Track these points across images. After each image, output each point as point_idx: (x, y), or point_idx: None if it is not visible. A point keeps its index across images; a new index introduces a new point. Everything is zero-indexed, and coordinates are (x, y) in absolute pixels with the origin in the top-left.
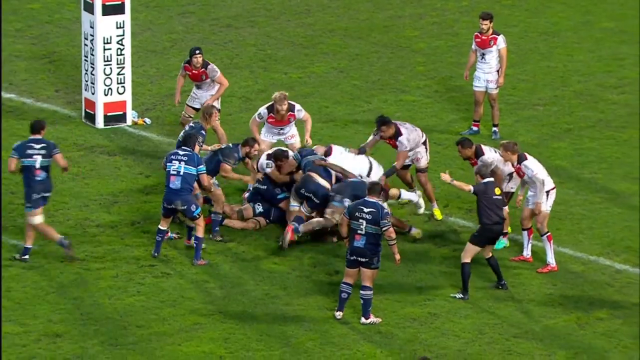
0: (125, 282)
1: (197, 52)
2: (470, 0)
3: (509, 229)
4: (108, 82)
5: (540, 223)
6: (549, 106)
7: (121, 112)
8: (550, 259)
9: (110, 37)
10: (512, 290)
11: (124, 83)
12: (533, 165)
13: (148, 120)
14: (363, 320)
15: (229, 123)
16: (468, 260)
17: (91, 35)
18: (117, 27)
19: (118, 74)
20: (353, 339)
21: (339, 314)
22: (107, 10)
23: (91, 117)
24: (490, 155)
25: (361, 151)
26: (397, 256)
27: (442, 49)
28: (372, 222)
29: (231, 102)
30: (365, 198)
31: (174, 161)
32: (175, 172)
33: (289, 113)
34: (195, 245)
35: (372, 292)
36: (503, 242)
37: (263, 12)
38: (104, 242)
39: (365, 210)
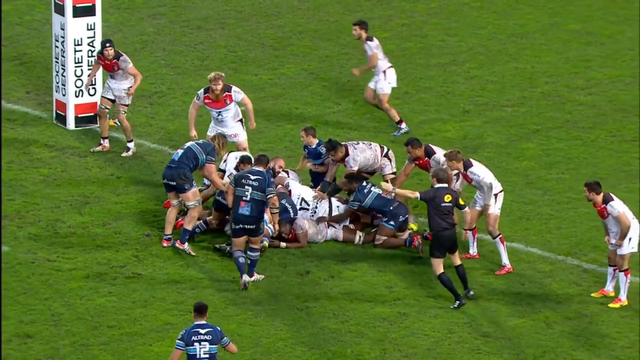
0: (97, 283)
1: (108, 44)
2: (439, 2)
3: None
4: (79, 83)
5: (492, 226)
6: (517, 107)
7: (92, 114)
8: (505, 260)
9: (81, 39)
10: (480, 289)
11: (94, 85)
12: (479, 171)
13: (119, 122)
14: (247, 278)
15: (200, 124)
16: (441, 271)
17: (62, 37)
18: (88, 29)
19: (88, 75)
20: (323, 338)
21: (245, 278)
22: (78, 12)
23: (62, 119)
24: (441, 154)
25: (324, 188)
26: (276, 226)
27: (412, 51)
28: (258, 188)
29: None
30: (252, 168)
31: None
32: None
33: (224, 94)
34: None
35: (259, 253)
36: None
37: (233, 13)
38: (75, 243)
39: (252, 177)
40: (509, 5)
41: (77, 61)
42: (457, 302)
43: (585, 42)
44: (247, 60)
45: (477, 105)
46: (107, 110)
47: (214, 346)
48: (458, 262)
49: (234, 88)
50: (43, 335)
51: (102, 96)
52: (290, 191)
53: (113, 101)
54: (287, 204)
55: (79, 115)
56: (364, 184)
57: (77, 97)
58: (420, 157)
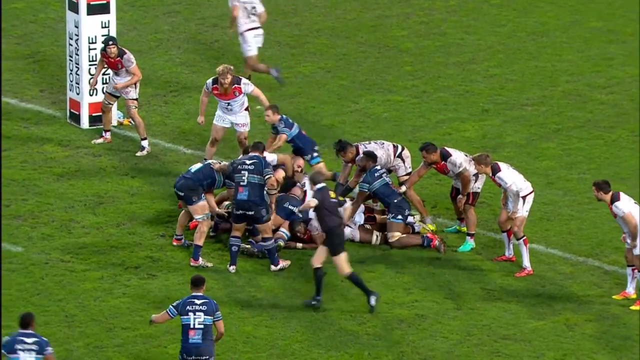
0: (111, 284)
1: (111, 42)
2: (458, 0)
3: (474, 229)
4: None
5: (517, 227)
6: (537, 106)
7: None
8: (526, 262)
9: (96, 37)
10: (500, 291)
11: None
12: (506, 177)
13: (131, 118)
14: (273, 267)
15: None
16: (348, 270)
17: (76, 34)
18: (102, 27)
19: (103, 74)
20: (340, 341)
21: (232, 268)
22: (92, 10)
23: (76, 118)
24: (457, 155)
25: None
26: (273, 206)
27: (430, 49)
28: (255, 171)
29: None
30: (249, 154)
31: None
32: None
33: (234, 86)
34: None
35: (272, 240)
36: (470, 243)
37: None
38: (89, 244)
39: (248, 162)
40: (529, 3)
41: (91, 59)
42: (313, 302)
43: (606, 40)
44: (264, 59)
45: (497, 104)
46: (110, 106)
47: (209, 317)
48: (319, 264)
49: (244, 80)
50: (57, 337)
51: (106, 92)
52: (305, 192)
53: (117, 97)
54: (292, 207)
55: (93, 114)
56: (377, 167)
57: (91, 95)
58: (436, 161)
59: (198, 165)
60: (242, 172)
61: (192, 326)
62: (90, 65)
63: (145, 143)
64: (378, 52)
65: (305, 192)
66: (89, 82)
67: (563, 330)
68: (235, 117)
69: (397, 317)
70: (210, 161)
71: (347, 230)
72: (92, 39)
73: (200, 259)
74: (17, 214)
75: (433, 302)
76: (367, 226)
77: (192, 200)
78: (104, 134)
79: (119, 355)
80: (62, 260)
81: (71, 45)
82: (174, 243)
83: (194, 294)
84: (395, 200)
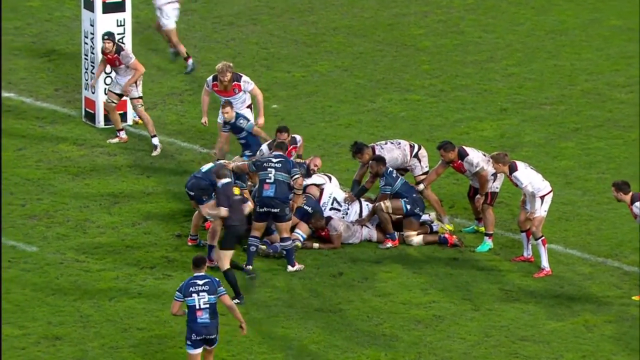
0: (126, 284)
1: (106, 37)
2: None
3: (492, 229)
4: (108, 80)
5: (536, 227)
6: (556, 105)
7: (122, 112)
8: (545, 263)
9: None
10: (518, 292)
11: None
12: (523, 177)
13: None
14: (289, 268)
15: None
16: (227, 266)
17: (91, 33)
18: (118, 25)
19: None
20: (357, 341)
21: (248, 268)
22: (108, 8)
23: (91, 117)
24: (475, 155)
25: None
26: (294, 206)
27: (448, 47)
28: (282, 169)
29: None
30: (273, 153)
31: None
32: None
33: (233, 83)
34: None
35: (291, 241)
36: (488, 244)
37: (266, 9)
38: (104, 244)
39: (274, 160)
40: (547, 1)
41: None
42: (237, 300)
43: (626, 38)
44: (280, 57)
45: (515, 103)
46: (114, 105)
47: (213, 296)
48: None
49: (244, 78)
50: (72, 337)
51: (109, 90)
52: (322, 191)
53: (120, 95)
54: (307, 207)
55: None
56: (390, 169)
57: (106, 94)
58: (453, 160)
59: (209, 165)
60: (269, 169)
61: (198, 307)
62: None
63: (156, 140)
64: (395, 51)
65: (322, 191)
66: (90, 82)
67: (582, 332)
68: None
69: (414, 318)
70: (221, 162)
71: (365, 231)
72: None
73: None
74: (32, 214)
75: (450, 303)
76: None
77: (202, 200)
78: (118, 133)
79: (134, 356)
80: (77, 260)
81: (86, 43)
82: (189, 243)
83: (195, 274)
84: (414, 195)
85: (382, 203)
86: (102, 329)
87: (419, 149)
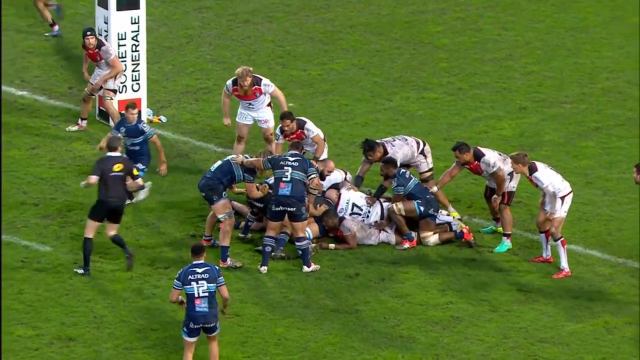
0: (140, 284)
1: (89, 32)
2: None
3: (510, 229)
4: (122, 79)
5: (555, 228)
6: (576, 104)
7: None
8: (564, 263)
9: (125, 33)
10: (537, 293)
11: (138, 80)
12: (543, 177)
13: (163, 118)
14: (305, 269)
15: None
16: (89, 235)
17: (105, 31)
18: (132, 23)
19: (133, 70)
20: (373, 343)
21: (263, 269)
22: (122, 5)
23: (105, 115)
24: (491, 155)
25: (357, 183)
26: (310, 207)
27: (466, 45)
28: (299, 168)
29: None
30: (289, 151)
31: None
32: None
33: (254, 87)
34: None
35: (307, 241)
36: (506, 244)
37: (282, 7)
38: None
39: (291, 159)
40: None
41: (120, 56)
42: (82, 271)
43: None
44: (296, 55)
45: (534, 101)
46: (92, 97)
47: (212, 285)
48: (112, 233)
49: (264, 81)
50: (85, 338)
51: (89, 82)
52: (340, 195)
53: (100, 87)
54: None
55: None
56: (402, 170)
57: (120, 92)
58: (469, 161)
59: (218, 163)
60: (285, 167)
61: (197, 295)
62: (119, 61)
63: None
64: (413, 49)
65: (339, 195)
66: (84, 76)
67: (602, 334)
68: (257, 113)
69: (432, 319)
70: (229, 157)
71: (383, 235)
72: (121, 35)
73: (229, 259)
74: (45, 213)
75: (468, 304)
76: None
77: (212, 200)
78: (79, 121)
79: (148, 357)
80: (91, 260)
81: (107, 42)
82: (204, 243)
83: (194, 262)
84: (428, 196)
85: (394, 205)
86: (116, 330)
87: (424, 145)
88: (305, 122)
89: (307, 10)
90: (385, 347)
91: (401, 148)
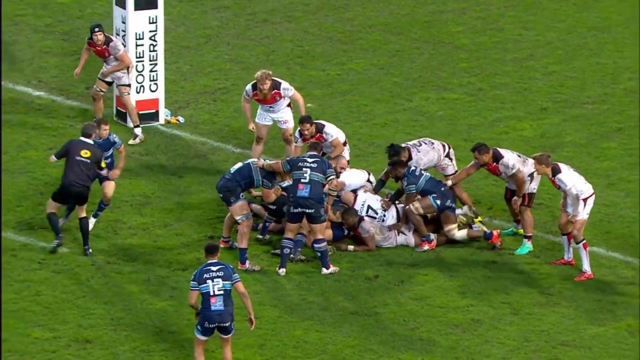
0: (158, 287)
1: (97, 29)
2: None
3: (531, 231)
4: (140, 79)
5: (577, 230)
6: (598, 104)
7: (153, 110)
8: (586, 266)
9: (143, 33)
10: (558, 296)
11: (156, 80)
12: (567, 179)
13: (181, 119)
14: (324, 270)
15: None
16: (52, 210)
17: (123, 30)
18: (150, 22)
19: (150, 70)
20: (393, 346)
21: (282, 271)
22: (140, 5)
23: (122, 116)
24: (510, 157)
25: (378, 187)
26: (329, 210)
27: (487, 45)
28: (318, 170)
29: None
30: (307, 152)
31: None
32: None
33: (273, 91)
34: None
35: (326, 242)
36: (527, 246)
37: (300, 6)
38: (135, 245)
39: (309, 160)
40: None
41: (138, 56)
42: (56, 241)
43: None
44: (315, 55)
45: (556, 102)
46: (102, 93)
47: (228, 282)
48: (83, 214)
49: (283, 85)
50: (102, 341)
51: (98, 78)
52: (356, 197)
53: (109, 84)
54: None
55: (140, 112)
56: (412, 168)
57: (138, 93)
58: (488, 162)
59: (238, 165)
60: (304, 169)
61: (212, 293)
62: (137, 61)
63: (138, 131)
64: (432, 49)
65: (355, 197)
66: (75, 73)
67: (624, 337)
68: (277, 115)
69: (452, 322)
70: (250, 160)
71: (401, 238)
72: (139, 35)
73: (247, 262)
74: (62, 215)
75: (489, 307)
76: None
77: (230, 201)
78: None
79: None
80: (108, 262)
81: (117, 38)
82: (221, 245)
83: (209, 261)
84: (442, 189)
85: (411, 205)
86: (134, 332)
87: (450, 148)
88: (324, 126)
89: (326, 10)
90: (404, 350)
91: (427, 154)
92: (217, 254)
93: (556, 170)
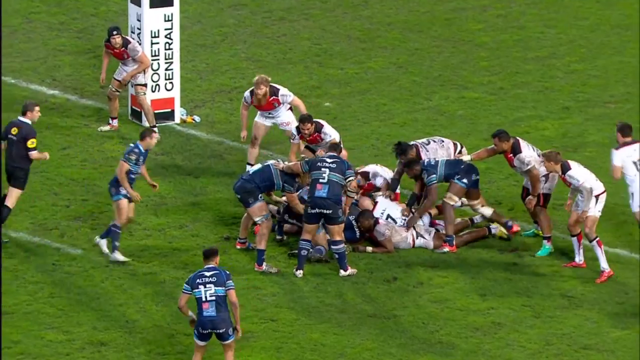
0: (173, 288)
1: (115, 32)
2: None
3: (550, 232)
4: (155, 77)
5: (589, 228)
6: (621, 104)
7: (169, 110)
8: (604, 264)
9: (158, 31)
10: (581, 298)
11: (172, 79)
12: (578, 175)
13: (197, 118)
14: (342, 272)
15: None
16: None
17: (138, 28)
18: (166, 20)
19: (166, 69)
20: (412, 349)
21: (299, 273)
22: (155, 3)
23: (138, 115)
24: (528, 152)
25: (394, 186)
26: (347, 209)
27: (508, 43)
28: (336, 170)
29: None
30: (327, 153)
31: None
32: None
33: (271, 97)
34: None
35: (344, 244)
36: (547, 247)
37: (318, 4)
38: (150, 246)
39: (329, 160)
40: None
41: (153, 54)
42: None
43: None
44: (333, 54)
45: (578, 101)
46: (117, 93)
47: (220, 288)
48: (6, 203)
49: (282, 91)
50: (117, 343)
51: (113, 78)
52: (376, 203)
53: (127, 83)
54: (349, 217)
55: (156, 112)
56: (426, 160)
57: (153, 92)
58: (506, 151)
59: (257, 166)
60: (323, 169)
61: (204, 299)
62: (152, 60)
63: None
64: (453, 47)
65: (376, 203)
66: (100, 79)
67: None
68: (278, 118)
69: (472, 325)
70: (271, 162)
71: (420, 241)
72: (154, 32)
73: (265, 264)
74: (76, 215)
75: (510, 310)
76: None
77: (248, 203)
78: (110, 121)
79: None
80: (123, 264)
81: (133, 39)
82: (238, 246)
83: (205, 266)
84: (462, 166)
85: (444, 200)
86: (149, 335)
87: (462, 147)
88: (322, 126)
89: (344, 8)
90: (424, 354)
91: (435, 152)
92: (214, 259)
93: (566, 167)
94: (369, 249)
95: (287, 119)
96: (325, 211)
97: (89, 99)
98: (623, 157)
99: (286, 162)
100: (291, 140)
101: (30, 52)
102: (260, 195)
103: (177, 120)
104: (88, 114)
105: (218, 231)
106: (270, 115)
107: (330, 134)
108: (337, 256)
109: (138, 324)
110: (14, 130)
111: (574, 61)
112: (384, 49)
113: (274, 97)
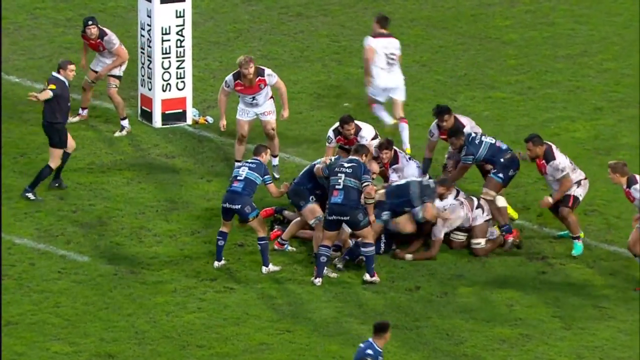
0: (185, 298)
1: (90, 22)
2: None
3: (582, 234)
4: (166, 76)
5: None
6: None
7: (181, 110)
8: None
9: (169, 27)
10: (614, 308)
11: (184, 78)
12: None
13: (210, 119)
14: (367, 277)
15: (299, 122)
16: (54, 165)
17: (148, 25)
18: (177, 16)
19: (177, 67)
20: None
21: (318, 281)
22: None
23: (148, 115)
24: (561, 160)
25: (426, 165)
26: (372, 217)
27: (537, 41)
28: (352, 175)
29: (301, 98)
30: (349, 157)
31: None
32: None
33: (258, 78)
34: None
35: (373, 248)
36: (579, 245)
37: None
38: (161, 253)
39: (346, 165)
40: None
41: (164, 52)
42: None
43: None
44: (352, 51)
45: (611, 101)
46: (93, 84)
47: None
48: None
49: (267, 71)
50: (126, 355)
51: (90, 68)
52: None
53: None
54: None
55: (167, 112)
56: (472, 134)
57: (164, 91)
58: (539, 156)
59: (307, 167)
60: (339, 174)
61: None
62: (163, 58)
63: (125, 122)
64: (479, 44)
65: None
66: (81, 66)
67: None
68: (260, 108)
69: (499, 337)
70: (318, 161)
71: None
72: (165, 29)
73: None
74: (83, 221)
75: (539, 321)
76: (495, 233)
77: (300, 205)
78: (80, 111)
79: None
80: (132, 272)
81: (143, 36)
82: (276, 247)
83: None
84: (502, 160)
85: (484, 197)
86: (159, 346)
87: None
88: (361, 129)
89: (364, 3)
90: None
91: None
92: (260, 154)
93: (632, 181)
94: (409, 256)
95: (268, 108)
96: (342, 218)
97: (96, 99)
98: None
99: (317, 165)
100: (327, 144)
101: (36, 50)
102: (312, 197)
103: (189, 121)
104: (96, 114)
105: (231, 238)
106: (254, 102)
107: (367, 137)
108: (364, 259)
109: (148, 335)
110: (52, 87)
111: (606, 59)
112: (407, 46)
113: (260, 77)
